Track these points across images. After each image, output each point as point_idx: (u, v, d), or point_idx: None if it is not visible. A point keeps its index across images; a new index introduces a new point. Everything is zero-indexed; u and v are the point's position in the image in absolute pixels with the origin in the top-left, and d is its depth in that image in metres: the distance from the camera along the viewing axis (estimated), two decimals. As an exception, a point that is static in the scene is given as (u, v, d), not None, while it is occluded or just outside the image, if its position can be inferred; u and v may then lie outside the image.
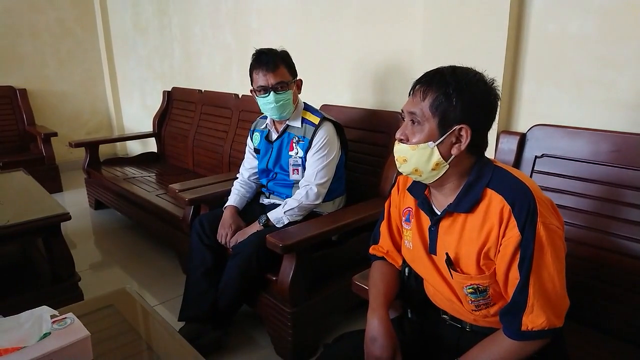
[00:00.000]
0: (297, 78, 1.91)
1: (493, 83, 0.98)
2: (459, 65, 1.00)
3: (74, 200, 3.83)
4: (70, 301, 1.99)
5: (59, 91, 4.60)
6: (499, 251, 0.93)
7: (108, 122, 5.02)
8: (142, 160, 3.67)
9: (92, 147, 3.47)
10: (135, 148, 4.71)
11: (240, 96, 2.99)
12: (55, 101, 4.60)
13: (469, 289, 0.98)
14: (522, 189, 0.92)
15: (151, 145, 4.08)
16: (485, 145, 1.01)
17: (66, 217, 1.97)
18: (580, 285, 1.37)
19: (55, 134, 3.92)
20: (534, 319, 0.90)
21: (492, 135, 1.67)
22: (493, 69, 1.62)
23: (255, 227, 1.87)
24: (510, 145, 1.60)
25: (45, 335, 1.00)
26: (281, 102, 1.83)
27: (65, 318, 1.06)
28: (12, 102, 4.24)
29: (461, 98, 0.93)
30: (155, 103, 4.01)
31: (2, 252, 2.31)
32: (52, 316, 1.05)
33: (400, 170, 1.05)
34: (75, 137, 4.47)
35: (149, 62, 4.19)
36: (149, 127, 3.90)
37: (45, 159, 3.92)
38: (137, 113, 4.67)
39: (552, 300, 0.90)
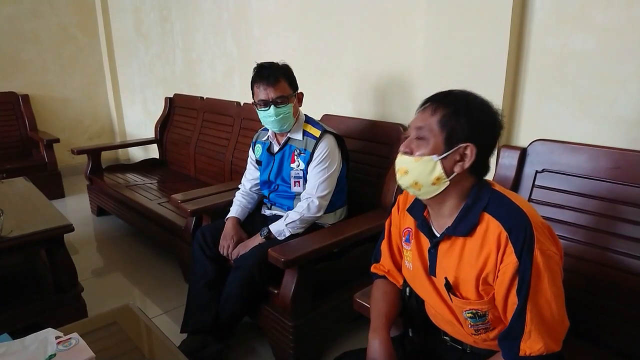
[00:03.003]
0: (298, 91, 1.92)
1: (499, 112, 1.00)
2: (462, 87, 1.02)
3: (76, 206, 3.85)
4: (74, 312, 2.03)
5: (60, 97, 4.62)
6: (497, 277, 0.94)
7: (110, 127, 5.03)
8: (144, 167, 3.68)
9: (94, 153, 3.49)
10: (137, 153, 4.73)
11: (242, 104, 3.01)
12: (57, 107, 4.62)
13: (468, 313, 0.99)
14: (519, 215, 0.93)
15: (153, 151, 4.09)
16: (487, 169, 1.02)
17: (69, 228, 1.98)
18: (580, 301, 1.38)
19: (57, 140, 3.93)
20: (531, 344, 0.91)
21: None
22: (494, 83, 1.65)
23: (257, 239, 1.88)
24: (510, 160, 1.60)
25: (51, 357, 1.02)
26: (281, 116, 1.84)
27: (70, 339, 1.08)
28: (15, 108, 4.26)
29: (470, 118, 0.95)
30: (157, 109, 4.03)
31: (5, 262, 2.32)
32: (57, 337, 1.06)
33: (399, 182, 1.04)
34: (77, 143, 4.49)
35: (151, 68, 4.20)
36: (150, 133, 3.92)
37: (47, 165, 3.94)
38: (138, 118, 4.68)
39: (550, 326, 0.91)
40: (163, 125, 3.74)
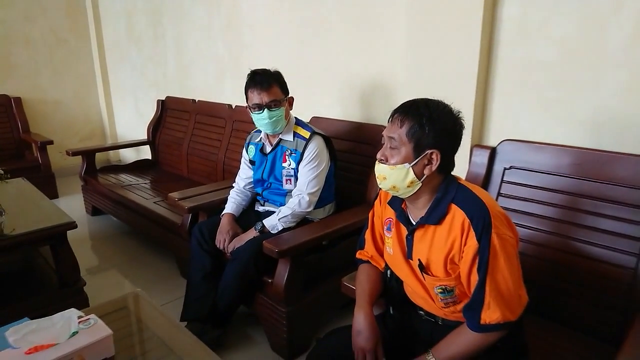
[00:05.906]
0: (289, 96, 2.06)
1: (459, 114, 1.16)
2: (431, 97, 1.17)
3: (70, 206, 3.90)
4: (77, 305, 2.12)
5: (52, 99, 4.69)
6: (462, 257, 1.11)
7: (101, 129, 5.11)
8: (137, 168, 3.78)
9: (89, 155, 3.58)
10: (128, 155, 4.81)
11: (233, 106, 3.13)
12: (49, 109, 4.68)
13: (439, 289, 1.16)
14: (479, 205, 1.09)
15: (145, 153, 4.19)
16: (452, 166, 1.19)
17: (72, 225, 2.10)
18: (544, 284, 1.55)
19: (51, 142, 4.00)
20: (490, 314, 1.07)
21: (465, 149, 1.85)
22: (467, 89, 1.81)
23: (252, 233, 2.02)
24: (482, 158, 1.77)
25: (74, 333, 1.15)
26: (274, 118, 1.98)
27: (89, 319, 1.21)
28: (7, 110, 4.32)
29: (433, 127, 1.11)
30: (149, 110, 4.13)
31: (7, 259, 2.41)
32: (78, 317, 1.19)
33: (380, 186, 1.21)
34: (69, 145, 4.56)
35: (143, 71, 4.30)
36: (142, 134, 4.01)
37: (41, 166, 4.01)
38: (130, 120, 4.77)
39: (506, 298, 1.07)
40: (155, 127, 3.84)
